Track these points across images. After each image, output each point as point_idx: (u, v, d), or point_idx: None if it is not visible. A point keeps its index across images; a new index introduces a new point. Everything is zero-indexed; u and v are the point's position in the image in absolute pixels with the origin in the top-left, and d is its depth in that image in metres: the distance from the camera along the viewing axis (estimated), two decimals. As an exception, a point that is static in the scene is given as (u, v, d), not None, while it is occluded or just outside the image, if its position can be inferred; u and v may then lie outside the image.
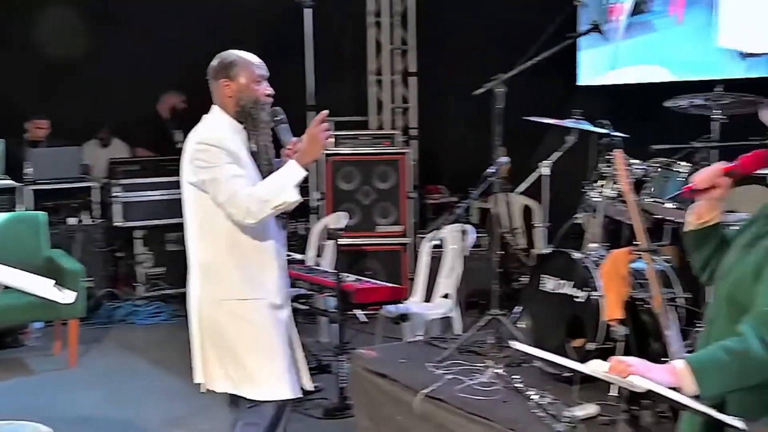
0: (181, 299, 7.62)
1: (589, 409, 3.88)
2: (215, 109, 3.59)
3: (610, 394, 3.76)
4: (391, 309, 5.57)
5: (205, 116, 3.60)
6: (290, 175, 3.45)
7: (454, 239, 5.94)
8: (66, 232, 7.61)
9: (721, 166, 2.54)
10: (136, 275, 8.06)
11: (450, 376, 4.47)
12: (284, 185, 3.42)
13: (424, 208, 8.40)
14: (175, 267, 7.86)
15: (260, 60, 3.62)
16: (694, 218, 2.63)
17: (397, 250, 7.55)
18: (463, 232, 5.65)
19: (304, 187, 4.15)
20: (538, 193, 5.81)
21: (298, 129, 3.71)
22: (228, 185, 3.38)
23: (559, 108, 6.06)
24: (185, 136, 3.62)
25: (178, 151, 3.64)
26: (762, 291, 2.24)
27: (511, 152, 5.31)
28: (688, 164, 4.65)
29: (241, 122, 3.55)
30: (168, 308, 7.75)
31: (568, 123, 5.21)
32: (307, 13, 7.55)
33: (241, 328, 3.52)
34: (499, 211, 5.26)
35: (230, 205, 3.40)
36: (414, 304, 6.04)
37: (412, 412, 4.33)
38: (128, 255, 8.11)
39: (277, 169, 3.54)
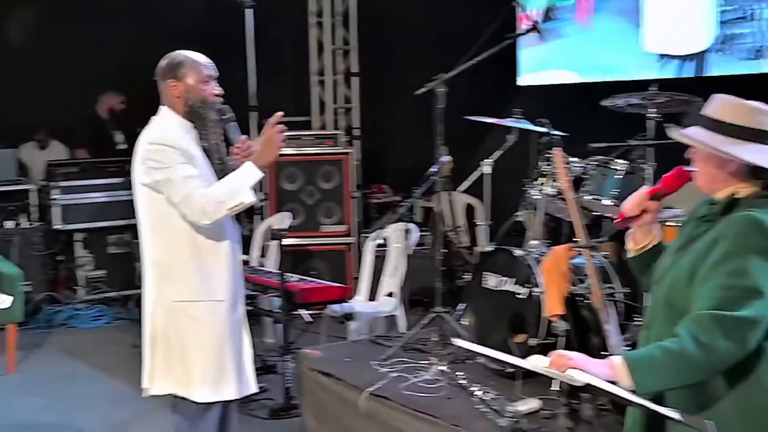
0: (123, 302, 7.64)
1: (531, 404, 3.93)
2: (164, 110, 3.58)
3: (552, 388, 3.83)
4: (336, 308, 5.58)
5: (153, 117, 3.59)
6: (246, 176, 3.45)
7: (397, 238, 5.97)
8: (3, 236, 7.50)
9: (646, 190, 2.59)
10: (77, 278, 7.95)
11: (395, 374, 4.50)
12: (240, 186, 3.43)
13: (367, 208, 8.42)
14: (117, 270, 7.81)
15: (209, 60, 3.62)
16: (632, 245, 2.68)
17: (341, 249, 7.56)
18: (407, 231, 5.68)
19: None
20: (480, 191, 5.86)
21: (241, 129, 3.71)
22: (182, 186, 3.38)
23: (500, 107, 6.13)
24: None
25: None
26: (697, 294, 2.28)
27: (453, 151, 5.37)
28: (625, 162, 4.73)
29: (190, 122, 3.55)
30: (110, 311, 7.67)
31: (507, 122, 5.27)
32: (248, 14, 7.52)
33: (194, 329, 3.50)
34: (442, 210, 5.29)
35: (185, 206, 3.39)
36: (358, 303, 6.05)
37: (358, 410, 4.35)
38: (68, 258, 7.99)
39: (230, 167, 3.55)
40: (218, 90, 3.59)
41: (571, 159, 4.84)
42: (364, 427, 4.36)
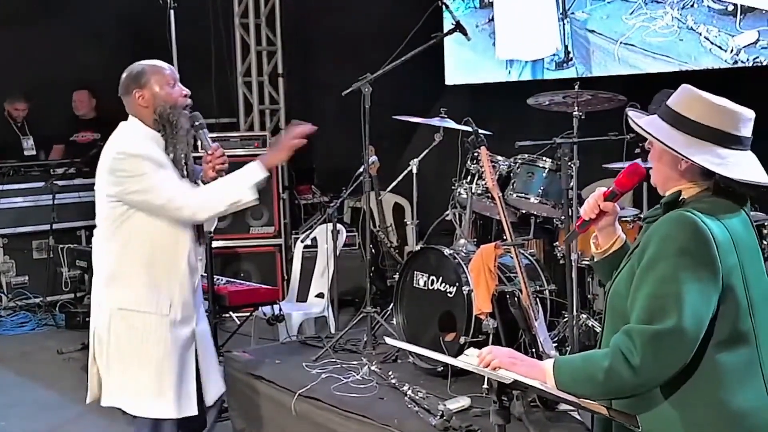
0: (47, 308, 7.48)
1: (462, 402, 3.95)
2: (130, 120, 3.51)
3: (483, 386, 3.86)
4: (266, 310, 5.55)
5: (121, 125, 3.52)
6: (250, 174, 3.45)
7: (326, 239, 5.95)
8: None
9: (600, 192, 2.50)
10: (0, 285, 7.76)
11: (325, 375, 4.49)
12: (242, 184, 3.43)
13: (296, 209, 8.39)
14: (41, 275, 7.63)
15: (168, 64, 3.58)
16: (595, 249, 2.60)
17: (270, 251, 7.51)
18: (336, 232, 5.67)
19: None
20: (409, 191, 5.88)
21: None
22: (164, 189, 3.35)
23: (428, 106, 6.16)
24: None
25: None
26: (633, 304, 2.21)
27: (380, 151, 5.38)
28: (551, 160, 4.80)
29: (158, 131, 3.47)
30: (34, 318, 7.50)
31: (433, 121, 5.29)
32: (171, 14, 7.42)
33: (134, 340, 3.44)
34: (371, 210, 5.30)
35: (173, 205, 3.36)
36: (288, 304, 6.03)
37: (289, 412, 4.33)
38: (-11, 264, 7.81)
39: (199, 176, 3.54)
40: (186, 90, 3.54)
41: (497, 157, 4.90)
42: (296, 429, 4.34)
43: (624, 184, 2.47)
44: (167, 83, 3.48)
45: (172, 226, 3.44)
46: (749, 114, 2.29)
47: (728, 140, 2.26)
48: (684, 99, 2.32)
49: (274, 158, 3.59)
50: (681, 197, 2.29)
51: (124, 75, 3.53)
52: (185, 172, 3.50)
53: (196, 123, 3.56)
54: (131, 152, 3.36)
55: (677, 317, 2.11)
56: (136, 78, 3.47)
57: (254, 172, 3.46)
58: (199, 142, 3.65)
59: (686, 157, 2.23)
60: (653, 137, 2.28)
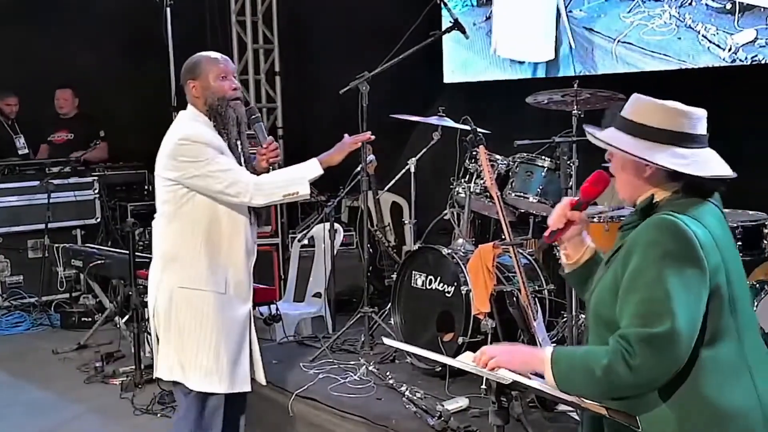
0: (42, 308, 7.44)
1: (460, 402, 3.94)
2: (189, 108, 3.65)
3: (482, 386, 3.84)
4: (263, 310, 5.51)
5: (180, 113, 3.66)
6: (309, 170, 3.65)
7: (324, 238, 5.93)
8: None
9: (567, 201, 2.52)
10: (-6, 284, 7.73)
11: (323, 376, 4.48)
12: (301, 177, 3.60)
13: (293, 208, 8.36)
14: (35, 275, 7.59)
15: (224, 57, 3.70)
16: (566, 260, 2.60)
17: (267, 250, 7.46)
18: (333, 231, 5.65)
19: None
20: (407, 190, 5.86)
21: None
22: (224, 174, 3.48)
23: (427, 105, 6.13)
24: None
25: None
26: (622, 308, 2.21)
27: (378, 150, 5.34)
28: (550, 159, 4.77)
29: (212, 120, 3.60)
30: (29, 318, 7.46)
31: (431, 120, 5.26)
32: (168, 12, 7.40)
33: (194, 317, 3.55)
34: (369, 209, 5.28)
35: (233, 189, 3.49)
36: (285, 304, 6.00)
37: (286, 412, 4.31)
38: (-16, 263, 7.77)
39: (253, 167, 3.70)
40: (236, 84, 3.67)
41: (496, 156, 4.87)
42: (293, 429, 4.32)
43: (589, 192, 2.49)
44: (219, 76, 3.60)
45: (230, 209, 3.58)
46: (702, 112, 2.32)
47: (688, 140, 2.29)
48: (638, 107, 2.35)
49: (332, 158, 3.76)
50: (654, 200, 2.31)
51: (184, 65, 3.70)
52: (241, 160, 3.65)
53: (253, 116, 3.74)
54: (194, 139, 3.51)
55: (672, 320, 2.12)
56: (191, 69, 3.63)
57: (312, 168, 3.67)
58: (256, 135, 3.79)
59: (653, 163, 2.25)
60: (617, 148, 2.31)
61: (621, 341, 2.15)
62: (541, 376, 2.28)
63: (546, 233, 2.55)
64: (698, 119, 2.31)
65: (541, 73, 6.52)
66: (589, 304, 2.41)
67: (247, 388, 3.71)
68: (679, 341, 2.12)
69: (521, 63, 6.66)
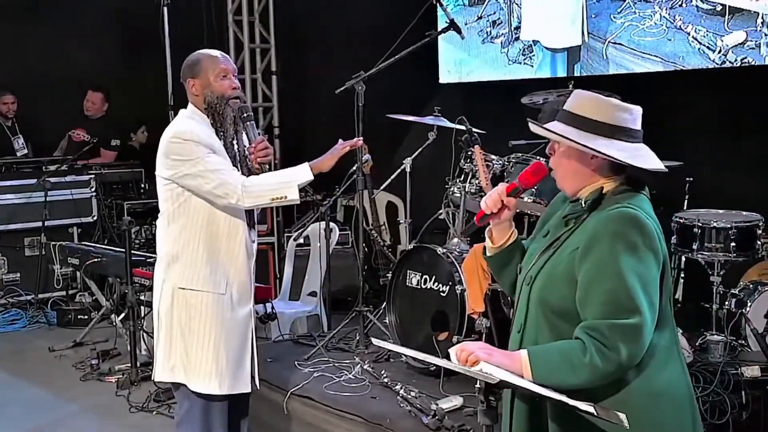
0: (38, 306, 7.45)
1: (454, 401, 3.95)
2: (189, 106, 3.65)
3: (476, 385, 3.85)
4: (258, 309, 5.53)
5: (182, 110, 3.66)
6: (299, 174, 3.59)
7: (319, 237, 5.94)
8: None
9: (504, 187, 2.58)
10: (-10, 281, 7.73)
11: (318, 374, 4.49)
12: (290, 182, 3.55)
13: (288, 207, 8.36)
14: (32, 273, 7.60)
15: (225, 55, 3.69)
16: (490, 244, 2.67)
17: (263, 249, 7.47)
18: (329, 230, 5.66)
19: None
20: (402, 189, 5.87)
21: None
22: (214, 174, 3.46)
23: (422, 105, 6.14)
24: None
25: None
26: (588, 300, 2.27)
27: (374, 149, 5.36)
28: (545, 159, 4.78)
29: (210, 117, 3.60)
30: (25, 315, 7.47)
31: (427, 120, 5.28)
32: (165, 12, 7.40)
33: (194, 317, 3.55)
34: (364, 208, 5.29)
35: (221, 190, 3.47)
36: (281, 303, 6.02)
37: (281, 411, 4.32)
38: (-19, 261, 7.77)
39: (247, 165, 3.66)
40: (235, 83, 3.66)
41: (491, 156, 4.89)
42: (288, 428, 4.34)
43: (528, 180, 2.59)
44: (219, 75, 3.60)
45: (228, 209, 3.56)
46: (639, 109, 2.41)
47: (628, 134, 2.37)
48: (581, 101, 2.42)
49: (324, 164, 3.72)
50: (602, 191, 2.39)
51: (184, 63, 3.69)
52: (236, 160, 3.63)
53: (244, 115, 3.68)
54: (185, 136, 3.49)
55: (641, 310, 2.22)
56: (191, 67, 3.63)
57: (303, 173, 3.61)
58: (246, 134, 3.75)
59: (602, 153, 2.32)
60: (568, 139, 2.36)
61: (593, 333, 2.24)
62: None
63: (478, 215, 2.62)
64: (637, 115, 2.41)
65: (545, 71, 6.48)
66: (528, 292, 2.46)
67: (247, 388, 3.70)
68: (647, 330, 2.24)
69: (519, 63, 6.65)
